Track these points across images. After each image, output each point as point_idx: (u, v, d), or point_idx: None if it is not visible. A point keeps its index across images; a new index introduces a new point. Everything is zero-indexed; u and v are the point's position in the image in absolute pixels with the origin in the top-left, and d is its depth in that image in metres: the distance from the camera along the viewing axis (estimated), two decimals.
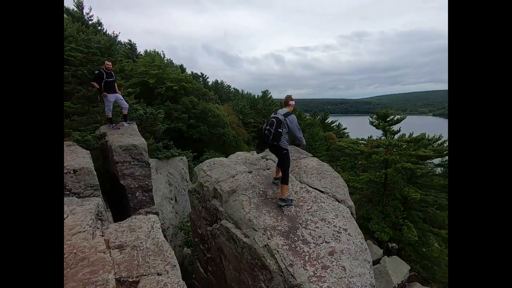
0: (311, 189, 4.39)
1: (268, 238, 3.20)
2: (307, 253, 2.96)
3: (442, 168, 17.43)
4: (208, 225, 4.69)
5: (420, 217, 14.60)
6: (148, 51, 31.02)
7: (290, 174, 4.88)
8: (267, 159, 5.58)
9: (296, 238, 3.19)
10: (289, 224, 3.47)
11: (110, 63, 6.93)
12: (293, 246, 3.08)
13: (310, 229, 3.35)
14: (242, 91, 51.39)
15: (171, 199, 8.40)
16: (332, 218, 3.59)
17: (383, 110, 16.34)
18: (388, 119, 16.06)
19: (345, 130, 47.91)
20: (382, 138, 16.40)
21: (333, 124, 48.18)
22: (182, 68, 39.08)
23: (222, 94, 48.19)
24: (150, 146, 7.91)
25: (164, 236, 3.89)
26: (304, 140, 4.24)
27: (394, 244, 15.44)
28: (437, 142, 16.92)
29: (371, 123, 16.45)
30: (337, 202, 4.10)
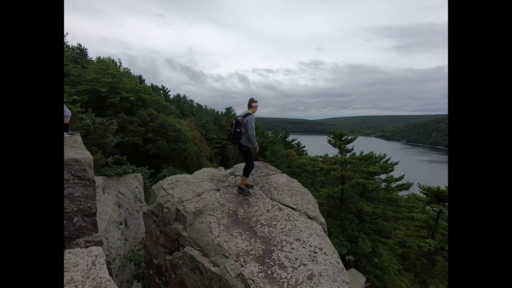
0: (283, 206, 4.19)
1: (242, 266, 2.83)
2: (285, 280, 2.67)
3: (385, 183, 19.47)
4: (167, 253, 4.03)
5: (371, 229, 15.72)
6: (102, 57, 28.47)
7: (260, 191, 4.64)
8: (235, 176, 5.26)
9: (272, 263, 2.89)
10: (263, 246, 3.16)
11: None
12: (269, 272, 2.76)
13: (286, 251, 3.09)
14: (206, 106, 50.68)
15: (120, 224, 7.22)
16: (307, 237, 3.42)
17: (339, 130, 17.78)
18: (343, 138, 17.47)
19: (304, 148, 50.58)
20: (338, 155, 17.66)
21: (293, 142, 50.56)
22: (140, 79, 36.82)
23: (184, 108, 46.65)
24: (97, 162, 6.81)
25: (109, 270, 3.15)
26: (254, 140, 4.29)
27: (350, 257, 16.14)
28: (383, 160, 19.02)
29: (329, 141, 17.65)
30: (310, 220, 3.98)
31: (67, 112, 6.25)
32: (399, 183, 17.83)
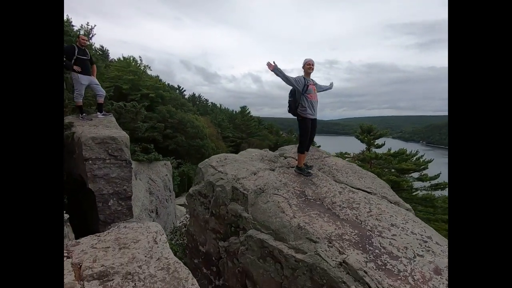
0: (354, 189, 3.50)
1: (340, 252, 2.16)
2: (407, 273, 1.98)
3: (420, 183, 18.08)
4: (221, 239, 3.44)
5: None
6: (124, 56, 28.89)
7: (320, 173, 3.97)
8: (285, 157, 4.62)
9: (377, 251, 2.21)
10: (356, 231, 2.48)
11: (85, 38, 5.56)
12: (379, 262, 2.08)
13: (387, 238, 2.40)
14: (221, 105, 50.63)
15: (152, 212, 6.79)
16: (403, 223, 2.70)
17: (367, 124, 16.72)
18: (371, 133, 16.40)
19: (319, 148, 49.21)
20: (365, 151, 16.59)
21: None
22: (158, 78, 37.25)
23: (199, 107, 46.88)
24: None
25: None
26: (283, 73, 3.44)
27: None
28: (415, 157, 17.69)
29: (356, 137, 16.63)
30: (393, 204, 3.26)
31: (101, 90, 5.88)
32: (434, 182, 16.44)
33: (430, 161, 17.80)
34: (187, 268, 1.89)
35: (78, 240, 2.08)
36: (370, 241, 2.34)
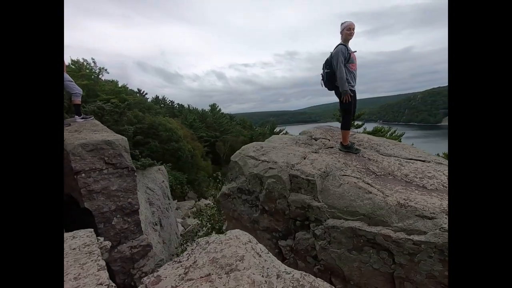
0: (409, 160, 3.28)
1: None
2: None
3: None
4: (280, 238, 2.94)
5: None
6: (73, 59, 25.35)
7: (364, 149, 3.69)
8: (316, 139, 4.24)
9: None
10: None
11: None
12: None
13: None
14: (189, 105, 48.42)
15: (156, 224, 5.88)
16: None
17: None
18: None
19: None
20: None
21: (281, 133, 50.29)
22: (116, 82, 33.83)
23: (166, 110, 44.02)
24: None
25: None
26: (343, 80, 3.13)
27: None
28: (389, 132, 19.02)
29: (338, 119, 17.13)
30: None
31: (76, 89, 4.77)
32: None
33: (402, 135, 19.32)
34: (323, 281, 1.39)
35: (154, 275, 1.41)
36: None
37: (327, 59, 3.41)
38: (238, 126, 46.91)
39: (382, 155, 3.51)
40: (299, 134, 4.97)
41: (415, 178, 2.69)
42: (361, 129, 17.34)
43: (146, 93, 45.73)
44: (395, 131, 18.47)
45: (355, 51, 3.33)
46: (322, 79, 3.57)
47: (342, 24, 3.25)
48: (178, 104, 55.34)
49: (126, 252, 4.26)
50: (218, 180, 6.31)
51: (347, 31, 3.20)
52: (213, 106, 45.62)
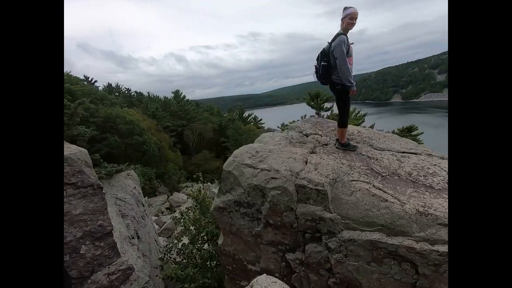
0: (404, 154, 3.29)
1: None
2: None
3: None
4: (287, 251, 2.73)
5: None
6: None
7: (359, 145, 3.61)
8: (307, 135, 4.04)
9: None
10: None
11: None
12: None
13: None
14: (149, 93, 44.55)
15: (132, 238, 5.26)
16: None
17: (315, 90, 17.52)
18: (319, 97, 17.38)
19: (261, 122, 50.36)
20: (316, 116, 17.70)
21: (250, 118, 49.89)
22: None
23: (122, 99, 39.77)
24: None
25: None
26: (347, 75, 2.88)
27: None
28: (354, 113, 20.14)
29: (308, 103, 17.35)
30: (441, 159, 3.22)
31: None
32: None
33: (365, 115, 20.60)
34: None
35: None
36: None
37: (323, 50, 3.10)
38: (205, 113, 45.05)
39: (377, 149, 3.47)
40: (288, 129, 4.72)
41: (419, 176, 2.67)
42: (329, 112, 17.92)
43: (95, 81, 40.50)
44: (359, 112, 19.54)
45: (353, 43, 3.07)
46: (316, 72, 3.29)
47: (344, 9, 2.86)
48: (135, 92, 50.51)
49: (103, 280, 3.67)
50: (200, 181, 5.85)
51: (349, 20, 2.85)
52: (177, 93, 42.70)
